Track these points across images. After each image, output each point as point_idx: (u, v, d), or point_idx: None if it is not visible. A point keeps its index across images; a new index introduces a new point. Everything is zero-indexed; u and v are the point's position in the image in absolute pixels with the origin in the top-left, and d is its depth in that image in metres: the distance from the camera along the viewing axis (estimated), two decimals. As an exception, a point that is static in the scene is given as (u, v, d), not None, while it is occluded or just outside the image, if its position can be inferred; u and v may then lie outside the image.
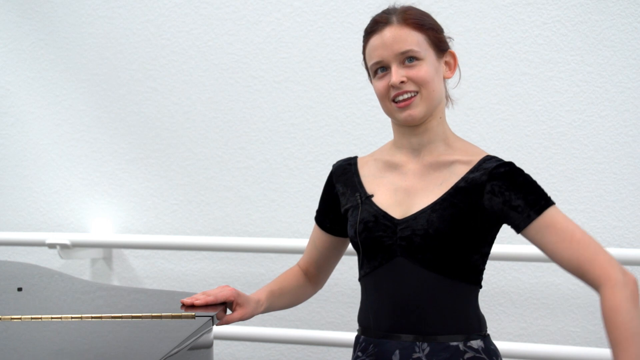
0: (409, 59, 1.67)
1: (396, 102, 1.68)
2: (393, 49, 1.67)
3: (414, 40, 1.67)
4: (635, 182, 2.91)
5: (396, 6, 1.73)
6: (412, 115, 1.67)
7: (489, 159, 1.69)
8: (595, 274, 1.56)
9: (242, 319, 1.73)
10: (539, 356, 2.84)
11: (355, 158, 1.83)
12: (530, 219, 1.61)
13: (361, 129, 3.15)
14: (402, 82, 1.66)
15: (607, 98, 2.92)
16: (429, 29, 1.69)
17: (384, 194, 1.72)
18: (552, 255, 1.61)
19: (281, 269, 3.27)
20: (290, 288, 1.86)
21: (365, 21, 1.78)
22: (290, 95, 3.24)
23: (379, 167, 1.77)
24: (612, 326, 1.52)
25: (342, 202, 1.79)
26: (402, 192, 1.70)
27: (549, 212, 1.62)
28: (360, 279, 1.76)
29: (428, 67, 1.67)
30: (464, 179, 1.67)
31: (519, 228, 1.63)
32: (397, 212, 1.69)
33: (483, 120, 3.03)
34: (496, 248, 2.76)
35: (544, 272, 2.99)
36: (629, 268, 2.91)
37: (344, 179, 1.80)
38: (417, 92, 1.67)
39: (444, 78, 1.73)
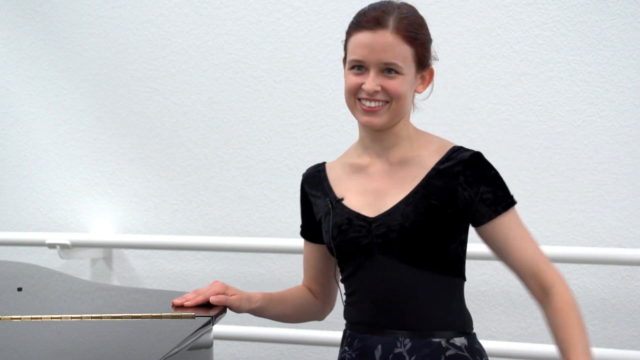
0: (389, 70, 1.63)
1: (362, 103, 1.66)
2: (378, 55, 1.62)
3: (401, 54, 1.63)
4: (635, 182, 2.91)
5: (396, 2, 1.68)
6: (372, 123, 1.66)
7: (457, 149, 1.69)
8: (548, 273, 1.62)
9: (235, 304, 1.72)
10: (539, 356, 2.84)
11: (323, 164, 1.82)
12: (497, 213, 1.64)
13: (361, 129, 3.15)
14: (376, 91, 1.64)
15: (607, 98, 2.92)
16: (420, 44, 1.65)
17: (354, 196, 1.72)
18: (512, 251, 1.64)
19: (281, 269, 3.28)
20: (291, 298, 1.86)
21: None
22: (290, 95, 3.24)
23: (345, 171, 1.76)
24: (567, 323, 1.60)
25: (315, 210, 1.79)
26: (372, 193, 1.70)
27: (513, 210, 1.66)
28: (342, 281, 1.76)
29: (405, 82, 1.64)
30: (434, 169, 1.67)
31: (481, 221, 1.65)
32: (370, 211, 1.68)
33: (483, 120, 3.03)
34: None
35: (544, 272, 2.98)
36: (629, 268, 2.92)
37: (314, 186, 1.80)
38: (387, 102, 1.64)
39: (414, 92, 1.71)
